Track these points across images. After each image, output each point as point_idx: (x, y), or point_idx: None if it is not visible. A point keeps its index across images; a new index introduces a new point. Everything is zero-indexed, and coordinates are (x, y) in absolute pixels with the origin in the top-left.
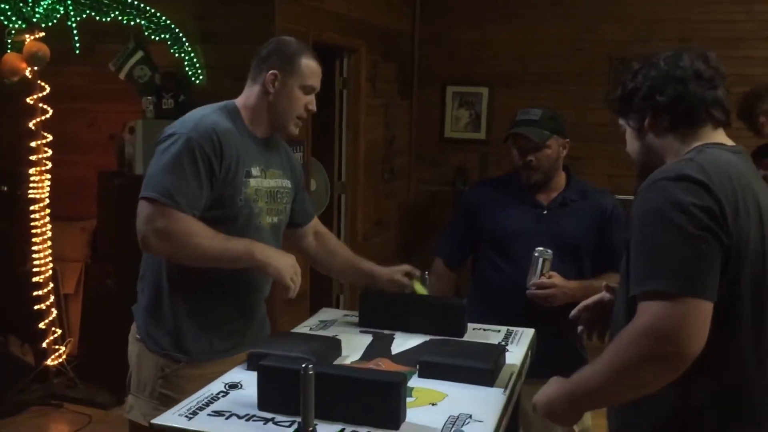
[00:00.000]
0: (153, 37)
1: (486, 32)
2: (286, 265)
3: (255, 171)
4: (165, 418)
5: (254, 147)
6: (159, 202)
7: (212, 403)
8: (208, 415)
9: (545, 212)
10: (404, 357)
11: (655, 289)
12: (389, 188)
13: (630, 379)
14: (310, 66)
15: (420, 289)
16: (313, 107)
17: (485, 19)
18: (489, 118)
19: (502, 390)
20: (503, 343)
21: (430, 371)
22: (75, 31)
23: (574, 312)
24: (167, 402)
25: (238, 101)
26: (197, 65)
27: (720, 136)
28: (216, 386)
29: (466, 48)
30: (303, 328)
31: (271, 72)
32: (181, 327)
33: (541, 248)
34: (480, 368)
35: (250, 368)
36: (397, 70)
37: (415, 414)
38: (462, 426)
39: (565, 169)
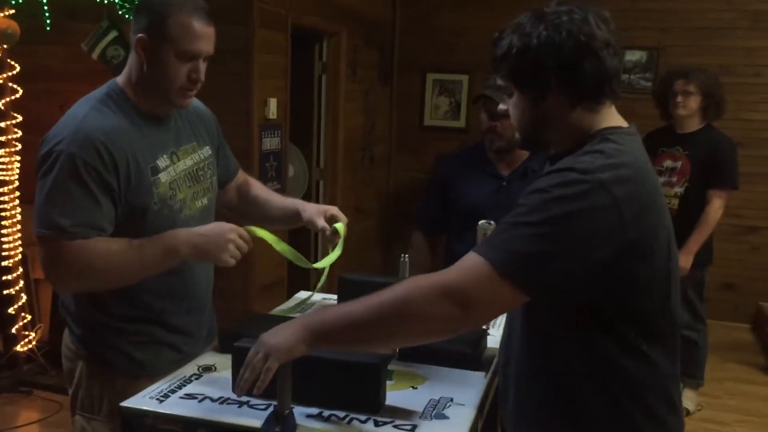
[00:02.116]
0: (127, 16)
1: (467, 19)
2: (219, 244)
3: (162, 162)
4: (135, 401)
5: (153, 132)
6: (49, 239)
7: (185, 385)
8: (180, 398)
9: (504, 183)
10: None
11: (490, 258)
12: (369, 176)
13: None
14: (186, 26)
15: (341, 228)
16: (199, 76)
17: (466, 6)
18: (469, 106)
19: (484, 373)
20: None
21: (410, 354)
22: (46, 8)
23: None
24: None
25: (120, 79)
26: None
27: (615, 114)
28: (189, 369)
29: (447, 35)
30: (279, 311)
31: (138, 37)
32: (124, 341)
33: (483, 221)
34: (461, 351)
35: (223, 350)
36: (377, 57)
37: (395, 397)
38: (443, 409)
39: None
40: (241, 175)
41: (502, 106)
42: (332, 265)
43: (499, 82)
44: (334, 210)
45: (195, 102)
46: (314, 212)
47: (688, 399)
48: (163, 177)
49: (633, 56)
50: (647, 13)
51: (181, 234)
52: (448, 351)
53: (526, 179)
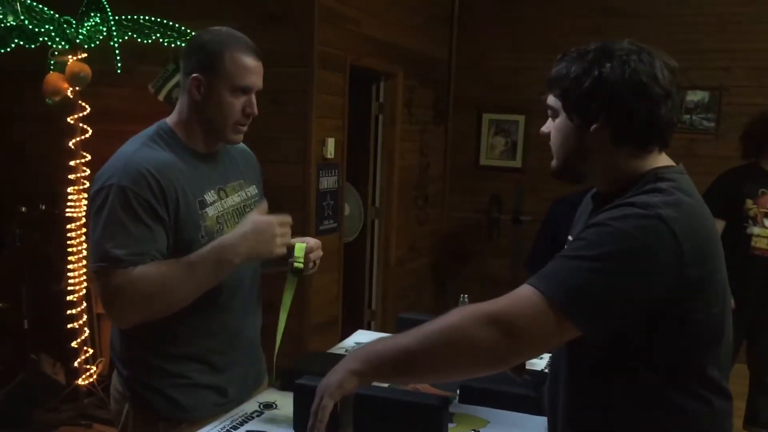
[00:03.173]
0: None
1: (523, 59)
2: (266, 239)
3: (210, 197)
4: None
5: (201, 168)
6: (106, 272)
7: (247, 422)
8: None
9: None
10: (444, 381)
11: (542, 289)
12: (423, 215)
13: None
14: (238, 61)
15: (299, 251)
16: (253, 110)
17: (522, 47)
18: (525, 146)
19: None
20: (546, 369)
21: (471, 396)
22: (117, 52)
23: None
24: None
25: (171, 119)
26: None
27: (664, 156)
28: (250, 406)
29: (503, 75)
30: (339, 350)
31: (193, 76)
32: (167, 384)
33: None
34: (524, 395)
35: (284, 388)
36: (433, 96)
37: None
38: None
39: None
40: None
41: (544, 129)
42: (388, 305)
43: (549, 102)
44: (312, 240)
45: (243, 145)
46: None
47: None
48: (211, 211)
49: (695, 96)
50: (709, 53)
51: (226, 243)
52: (510, 393)
53: None
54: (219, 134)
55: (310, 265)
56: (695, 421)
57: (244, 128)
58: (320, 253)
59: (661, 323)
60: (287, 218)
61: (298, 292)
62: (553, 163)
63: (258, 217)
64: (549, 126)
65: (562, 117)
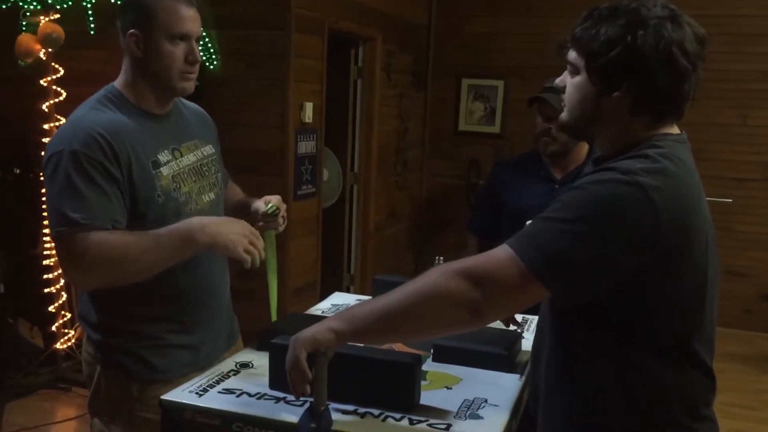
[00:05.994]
0: None
1: (502, 24)
2: (235, 236)
3: (163, 157)
4: (175, 395)
5: (153, 129)
6: (65, 235)
7: (223, 381)
8: (219, 392)
9: (557, 186)
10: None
11: (515, 248)
12: (402, 180)
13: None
14: (171, 10)
15: (270, 239)
16: (195, 56)
17: (502, 12)
18: (504, 112)
19: (518, 375)
20: (518, 329)
21: (444, 355)
22: (90, 14)
23: None
24: (148, 425)
25: (118, 82)
26: (211, 51)
27: (672, 125)
28: (226, 365)
29: (482, 40)
30: (315, 311)
31: (130, 32)
32: (139, 345)
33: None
34: (495, 353)
35: (260, 348)
36: (412, 61)
37: (429, 396)
38: (477, 410)
39: (588, 142)
40: (230, 185)
41: (558, 82)
42: (367, 270)
43: (569, 57)
44: (273, 197)
45: (196, 106)
46: (258, 201)
47: None
48: (165, 170)
49: None
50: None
51: (195, 222)
52: (483, 352)
53: None
54: (167, 87)
55: (280, 219)
56: (672, 391)
57: (192, 76)
58: (284, 206)
59: (630, 294)
60: (260, 240)
61: (277, 257)
62: (564, 116)
63: (241, 220)
64: (565, 79)
65: (583, 76)
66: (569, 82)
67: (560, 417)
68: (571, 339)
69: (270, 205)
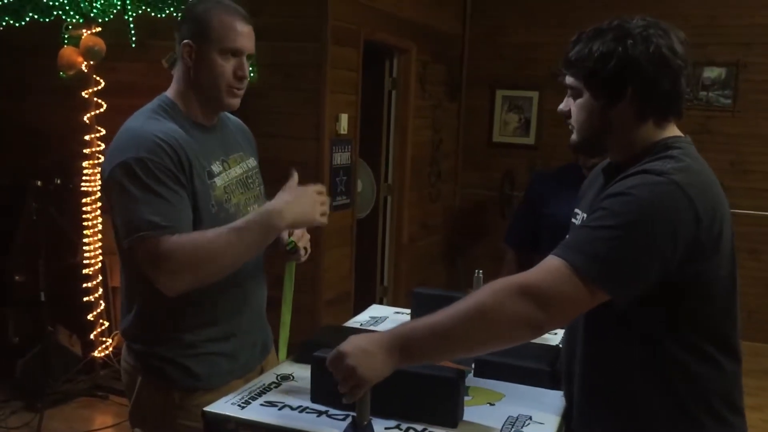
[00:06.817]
0: None
1: (537, 35)
2: (308, 207)
3: (216, 167)
4: (217, 407)
5: (206, 139)
6: (148, 239)
7: (264, 393)
8: (261, 405)
9: None
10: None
11: (570, 260)
12: (435, 191)
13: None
14: (226, 24)
15: (290, 270)
16: (244, 72)
17: (536, 22)
18: (538, 123)
19: (562, 393)
20: (560, 345)
21: (486, 370)
22: (131, 27)
23: None
24: None
25: (170, 91)
26: (249, 63)
27: (675, 128)
28: (268, 377)
29: (517, 51)
30: (354, 324)
31: (184, 43)
32: (180, 354)
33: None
34: (539, 369)
35: (299, 360)
36: (446, 72)
37: (472, 412)
38: (522, 427)
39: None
40: None
41: (562, 107)
42: (400, 281)
43: (568, 82)
44: (297, 231)
45: (237, 119)
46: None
47: None
48: (218, 181)
49: (711, 73)
50: (727, 29)
51: (272, 209)
52: (526, 368)
53: None
54: (213, 99)
55: (302, 252)
56: (710, 383)
57: (240, 92)
58: (308, 236)
59: (676, 285)
60: (321, 187)
61: (311, 268)
62: (574, 137)
63: (297, 187)
64: (568, 104)
65: (585, 96)
66: (573, 106)
67: (599, 415)
68: (606, 333)
69: (289, 239)
